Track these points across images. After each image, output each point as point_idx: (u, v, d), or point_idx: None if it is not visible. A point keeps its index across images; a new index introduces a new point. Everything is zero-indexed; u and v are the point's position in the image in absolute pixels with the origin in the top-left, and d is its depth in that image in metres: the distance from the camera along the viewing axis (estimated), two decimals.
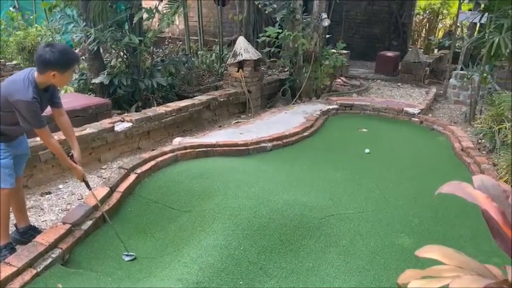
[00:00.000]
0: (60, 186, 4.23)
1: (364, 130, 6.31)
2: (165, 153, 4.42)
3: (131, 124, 5.06)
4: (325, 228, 3.44)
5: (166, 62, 7.72)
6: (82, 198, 3.93)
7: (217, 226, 3.29)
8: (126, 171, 3.94)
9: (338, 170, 4.77)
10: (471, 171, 4.71)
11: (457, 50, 9.64)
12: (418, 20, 18.46)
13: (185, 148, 4.64)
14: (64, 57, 2.84)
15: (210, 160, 4.64)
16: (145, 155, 4.29)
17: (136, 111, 6.55)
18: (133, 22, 6.57)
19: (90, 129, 4.61)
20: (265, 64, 9.78)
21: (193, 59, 9.68)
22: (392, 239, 3.44)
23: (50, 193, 4.06)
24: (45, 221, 3.59)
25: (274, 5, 7.34)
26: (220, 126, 6.41)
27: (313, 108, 6.96)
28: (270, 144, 5.32)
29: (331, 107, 7.06)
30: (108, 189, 3.68)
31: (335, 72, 8.06)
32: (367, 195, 4.12)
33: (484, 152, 5.30)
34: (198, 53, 10.63)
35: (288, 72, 8.03)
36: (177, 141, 5.03)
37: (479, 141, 5.74)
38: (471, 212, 3.76)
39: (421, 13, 18.47)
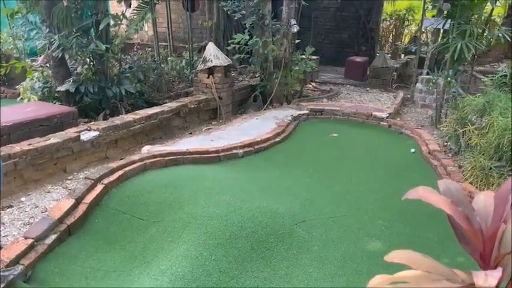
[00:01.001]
0: (23, 199, 4.06)
1: (335, 135, 6.37)
2: (133, 162, 4.32)
3: (98, 133, 4.92)
4: (297, 234, 3.43)
5: (134, 68, 7.57)
6: (46, 211, 3.78)
7: (188, 236, 3.22)
8: (92, 181, 3.82)
9: (310, 175, 4.78)
10: (438, 173, 4.82)
11: (422, 55, 9.90)
12: (385, 26, 18.92)
13: (154, 156, 4.55)
14: None
15: (180, 168, 4.56)
16: (113, 165, 4.17)
17: (104, 119, 6.39)
18: (100, 29, 6.42)
19: (54, 138, 4.45)
20: (236, 70, 9.77)
21: (162, 66, 9.56)
22: (364, 244, 3.47)
23: (11, 206, 3.89)
24: (6, 236, 3.42)
25: (243, 11, 7.34)
26: (191, 133, 6.34)
27: (284, 114, 6.97)
28: (241, 151, 5.29)
29: (301, 112, 7.10)
30: (74, 200, 3.56)
31: (305, 77, 8.12)
32: (339, 200, 4.15)
33: (450, 155, 5.44)
34: (168, 59, 10.51)
35: (258, 78, 8.03)
36: (146, 149, 4.93)
37: (445, 143, 5.88)
38: (438, 215, 3.82)
39: (388, 19, 18.96)
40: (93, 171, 4.24)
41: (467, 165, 4.45)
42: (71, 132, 4.71)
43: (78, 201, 3.60)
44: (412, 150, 5.75)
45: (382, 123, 6.87)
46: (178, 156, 4.75)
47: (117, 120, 5.29)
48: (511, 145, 4.12)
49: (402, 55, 13.78)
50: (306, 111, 7.17)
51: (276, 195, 4.05)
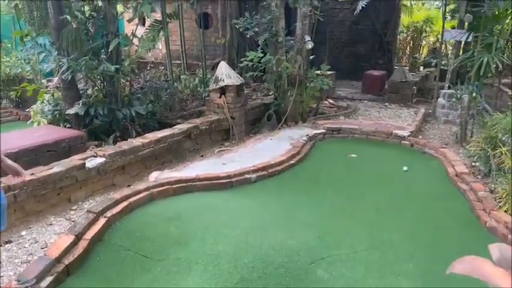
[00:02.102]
0: (23, 232, 3.84)
1: (353, 155, 6.04)
2: (139, 192, 4.07)
3: (104, 159, 4.71)
4: (315, 274, 3.10)
5: (145, 89, 7.41)
6: (46, 247, 3.55)
7: (193, 279, 2.94)
8: (94, 215, 3.58)
9: (327, 202, 4.46)
10: (467, 199, 4.44)
11: (443, 67, 9.53)
12: (402, 38, 18.55)
13: (162, 185, 4.30)
14: None
15: (189, 197, 4.30)
16: (117, 196, 3.94)
17: (114, 141, 6.22)
18: (109, 50, 6.29)
19: (57, 167, 4.25)
20: (250, 87, 9.54)
21: (175, 84, 9.41)
22: (390, 282, 3.13)
23: (10, 242, 3.67)
24: (2, 277, 3.20)
25: (256, 29, 7.13)
26: (202, 156, 6.09)
27: (300, 133, 6.68)
28: (254, 176, 5.01)
29: (318, 131, 6.79)
30: (74, 237, 3.32)
31: (321, 94, 7.83)
32: (359, 231, 3.81)
33: (478, 177, 5.05)
34: (181, 77, 10.37)
35: (272, 96, 7.78)
36: (154, 176, 4.69)
37: (473, 164, 5.49)
38: (473, 246, 3.46)
39: (405, 31, 18.59)
40: (98, 201, 4.01)
41: (501, 191, 4.07)
42: (75, 159, 4.51)
43: (78, 237, 3.36)
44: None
45: (403, 142, 6.50)
46: (188, 184, 4.49)
47: (124, 145, 5.08)
48: None
49: (421, 68, 13.37)
50: (323, 130, 6.86)
51: (291, 227, 3.74)
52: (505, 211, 3.88)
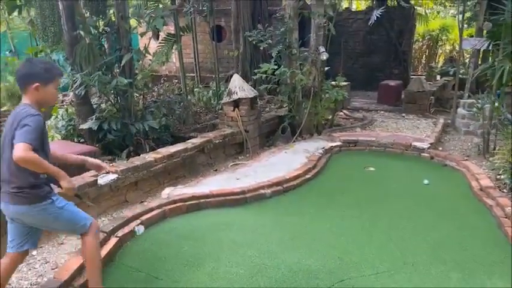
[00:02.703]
0: (34, 252, 3.75)
1: (371, 169, 5.86)
2: (151, 209, 3.97)
3: (116, 176, 4.60)
4: None
5: (158, 103, 7.37)
6: (56, 267, 3.45)
7: None
8: (105, 234, 3.48)
9: (345, 219, 4.29)
10: (494, 215, 4.21)
11: (461, 76, 9.30)
12: (417, 47, 18.31)
13: (174, 202, 4.19)
14: (44, 66, 2.57)
15: (203, 214, 4.18)
16: (128, 213, 3.84)
17: (127, 156, 6.17)
18: (122, 64, 6.27)
19: None
20: (263, 99, 9.45)
21: (189, 97, 9.38)
22: None
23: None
24: None
25: (269, 41, 7.05)
26: (216, 170, 5.98)
27: (315, 146, 6.53)
28: (269, 191, 4.87)
29: (334, 144, 6.63)
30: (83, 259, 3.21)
31: (336, 106, 7.68)
32: (380, 250, 3.62)
33: (504, 191, 4.81)
34: (195, 90, 10.36)
35: (286, 108, 7.66)
36: (166, 193, 4.58)
37: (498, 177, 5.25)
38: (505, 268, 3.26)
39: (420, 40, 18.35)
40: (106, 223, 3.91)
41: None
42: (87, 176, 4.43)
43: None
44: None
45: (423, 154, 6.29)
46: (201, 200, 4.38)
47: (137, 161, 5.00)
48: None
49: (438, 77, 13.12)
50: (339, 143, 6.70)
51: (308, 246, 3.57)
52: None
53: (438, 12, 20.04)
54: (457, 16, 11.45)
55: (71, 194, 2.70)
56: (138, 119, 6.64)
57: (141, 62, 7.05)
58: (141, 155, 5.37)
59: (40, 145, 2.44)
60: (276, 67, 6.92)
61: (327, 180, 5.42)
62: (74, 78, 6.14)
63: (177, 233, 3.69)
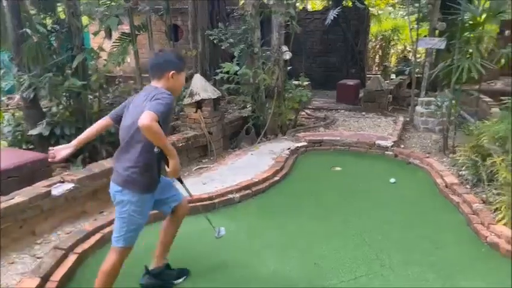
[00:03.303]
0: None
1: (338, 169, 5.83)
2: (113, 221, 3.66)
3: (73, 185, 4.27)
4: None
5: (115, 105, 6.97)
6: None
7: None
8: (63, 251, 3.17)
9: (317, 221, 4.19)
10: (462, 212, 4.26)
11: (416, 75, 9.52)
12: (370, 47, 18.75)
13: None
14: (177, 56, 2.84)
15: None
16: (88, 227, 3.53)
17: (83, 162, 5.77)
18: (74, 65, 5.86)
19: (19, 197, 3.79)
20: (224, 100, 9.25)
21: None
22: None
23: None
24: None
25: (231, 40, 6.86)
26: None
27: (281, 147, 6.42)
28: (238, 195, 4.69)
29: (299, 144, 6.55)
30: (39, 279, 2.90)
31: (300, 106, 7.62)
32: (356, 254, 3.54)
33: (468, 187, 4.90)
34: None
35: (250, 109, 7.51)
36: None
37: (460, 173, 5.36)
38: (477, 264, 3.27)
39: (373, 40, 18.80)
40: (64, 238, 3.58)
41: (498, 204, 3.90)
42: (39, 186, 4.05)
43: (44, 279, 2.94)
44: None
45: (387, 152, 6.34)
46: None
47: (95, 168, 4.65)
48: None
49: (393, 76, 13.45)
50: (304, 143, 6.62)
51: (284, 253, 3.44)
52: (504, 224, 3.71)
53: (390, 13, 20.62)
54: (407, 17, 11.81)
55: (175, 176, 2.77)
56: (93, 122, 6.23)
57: (95, 62, 6.64)
58: (99, 162, 5.02)
59: (163, 122, 2.48)
60: (238, 68, 6.74)
61: (296, 182, 5.31)
62: (21, 80, 5.67)
63: (141, 245, 3.42)
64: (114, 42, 9.27)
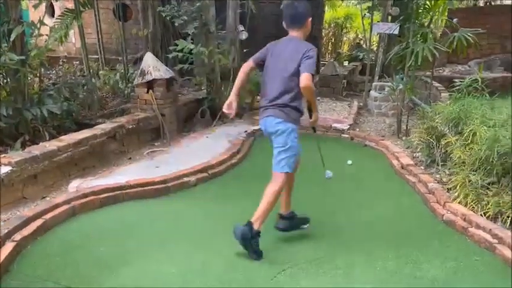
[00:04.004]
0: None
1: None
2: (56, 206, 3.36)
3: (10, 168, 3.87)
4: None
5: (59, 85, 6.49)
6: None
7: None
8: None
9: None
10: (418, 191, 4.30)
11: (365, 61, 9.64)
12: (324, 34, 18.90)
13: (85, 195, 3.61)
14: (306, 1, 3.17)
15: (120, 208, 3.67)
16: (28, 213, 3.20)
17: (22, 146, 5.29)
18: (12, 39, 5.33)
19: None
20: (177, 82, 8.91)
21: (94, 80, 8.48)
22: None
23: None
24: None
25: (185, 17, 6.54)
26: (130, 159, 5.40)
27: (237, 130, 6.25)
28: (194, 178, 4.48)
29: (256, 127, 6.40)
30: None
31: (257, 88, 7.45)
32: (317, 234, 3.47)
33: (422, 168, 4.98)
34: (100, 73, 9.43)
35: (205, 90, 7.24)
36: (74, 186, 3.96)
37: (414, 154, 5.45)
38: (435, 242, 3.28)
39: (327, 27, 18.97)
40: (3, 220, 3.22)
41: (453, 182, 3.96)
42: None
43: None
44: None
45: (343, 135, 6.35)
46: (117, 192, 3.85)
47: (35, 150, 4.25)
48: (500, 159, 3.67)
49: (346, 62, 13.60)
50: None
51: None
52: (459, 202, 3.77)
53: (342, 0, 20.87)
54: (360, 6, 12.03)
55: (315, 125, 3.49)
56: (34, 103, 5.76)
57: (36, 38, 6.09)
58: (41, 144, 4.62)
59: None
60: (193, 46, 6.45)
61: (253, 165, 5.17)
62: None
63: (90, 233, 3.16)
64: (57, 19, 8.65)
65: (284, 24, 3.22)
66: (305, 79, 2.87)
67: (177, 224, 3.35)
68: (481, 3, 16.34)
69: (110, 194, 3.78)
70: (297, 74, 2.93)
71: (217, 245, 3.06)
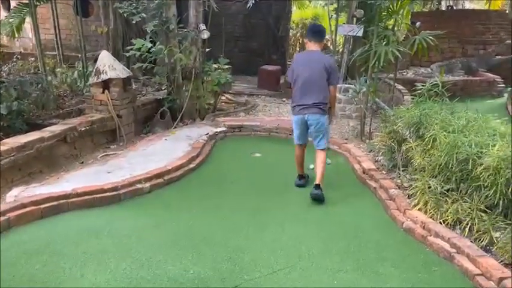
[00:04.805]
0: None
1: (258, 155, 5.60)
2: None
3: None
4: None
5: (6, 84, 6.08)
6: None
7: None
8: None
9: (235, 212, 3.91)
10: (379, 198, 4.23)
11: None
12: (291, 35, 18.88)
13: (23, 206, 3.32)
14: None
15: (64, 219, 3.40)
16: None
17: None
18: None
19: None
20: (139, 81, 8.60)
21: (50, 78, 8.05)
22: None
23: None
24: None
25: (143, 14, 6.26)
26: (82, 163, 5.10)
27: (199, 132, 6.03)
28: (148, 185, 4.24)
29: (218, 129, 6.22)
30: None
31: (219, 89, 7.25)
32: (274, 245, 3.31)
33: (384, 172, 4.93)
34: (57, 70, 8.98)
35: (165, 91, 6.98)
36: (13, 195, 3.64)
37: (376, 158, 5.39)
38: (393, 252, 3.19)
39: (294, 28, 18.96)
40: None
41: (414, 189, 3.90)
42: None
43: None
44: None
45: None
46: (61, 201, 3.58)
47: None
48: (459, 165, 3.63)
49: None
50: (223, 128, 6.30)
51: (196, 249, 3.09)
52: (419, 209, 3.71)
53: (310, 1, 20.92)
54: (327, 7, 12.04)
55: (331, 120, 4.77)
56: None
57: None
58: None
59: None
60: (151, 44, 6.19)
61: (213, 169, 4.98)
62: None
63: (26, 247, 2.88)
64: (11, 12, 8.18)
65: (307, 38, 4.38)
66: (334, 90, 4.41)
67: (123, 238, 3.12)
68: (443, 8, 16.73)
69: (53, 203, 3.51)
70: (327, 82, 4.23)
71: (164, 261, 2.85)
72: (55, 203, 3.51)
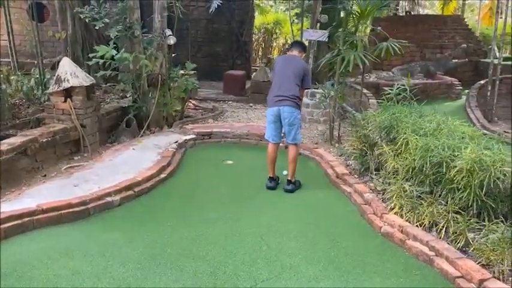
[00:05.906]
0: None
1: (229, 162, 5.52)
2: None
3: None
4: None
5: None
6: None
7: None
8: None
9: (211, 222, 3.79)
10: (354, 202, 4.24)
11: None
12: (254, 39, 18.93)
13: None
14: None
15: (29, 239, 3.17)
16: None
17: None
18: None
19: None
20: (101, 89, 8.28)
21: (3, 87, 7.61)
22: None
23: None
24: None
25: (106, 20, 6.03)
26: (45, 176, 4.82)
27: (167, 140, 5.86)
28: (117, 198, 4.05)
29: (187, 137, 6.07)
30: None
31: (186, 96, 7.11)
32: (254, 256, 3.23)
33: (356, 176, 4.96)
34: (11, 78, 8.51)
35: (130, 98, 6.76)
36: None
37: (347, 162, 5.43)
38: (373, 257, 3.19)
39: (257, 32, 19.02)
40: None
41: (389, 193, 3.94)
42: None
43: None
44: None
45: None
46: (25, 219, 3.34)
47: None
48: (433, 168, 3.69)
49: None
50: (193, 136, 6.16)
51: (175, 264, 2.97)
52: (395, 213, 3.74)
53: (271, 7, 21.07)
54: (288, 12, 12.14)
55: None
56: None
57: None
58: None
59: None
60: (115, 52, 5.96)
61: (185, 179, 4.84)
62: None
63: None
64: None
65: (290, 50, 4.96)
66: (307, 90, 5.52)
67: (95, 256, 2.94)
68: (401, 13, 17.30)
69: (17, 221, 3.27)
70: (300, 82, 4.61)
71: (142, 279, 2.71)
72: (19, 221, 3.27)
